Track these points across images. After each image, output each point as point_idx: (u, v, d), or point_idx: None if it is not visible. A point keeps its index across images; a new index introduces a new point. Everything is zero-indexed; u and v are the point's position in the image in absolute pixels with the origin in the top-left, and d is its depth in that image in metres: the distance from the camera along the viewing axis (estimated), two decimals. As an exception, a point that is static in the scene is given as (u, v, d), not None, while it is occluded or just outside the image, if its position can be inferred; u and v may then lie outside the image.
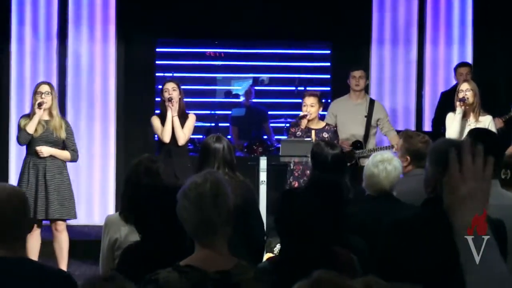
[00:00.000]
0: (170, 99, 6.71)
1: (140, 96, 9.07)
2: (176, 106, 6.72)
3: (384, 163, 4.10)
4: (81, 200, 8.32)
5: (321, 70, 10.66)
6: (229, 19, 9.05)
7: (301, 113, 6.94)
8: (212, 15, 9.05)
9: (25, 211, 2.78)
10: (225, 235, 2.58)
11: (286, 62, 11.14)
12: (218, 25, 9.14)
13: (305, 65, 11.05)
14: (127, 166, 4.54)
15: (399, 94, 9.25)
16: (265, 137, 10.16)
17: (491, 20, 9.06)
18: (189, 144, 7.20)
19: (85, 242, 7.48)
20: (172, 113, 6.71)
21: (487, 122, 6.41)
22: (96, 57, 8.96)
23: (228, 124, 10.64)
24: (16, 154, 8.51)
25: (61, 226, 6.63)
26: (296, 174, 6.76)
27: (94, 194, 8.90)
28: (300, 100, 7.44)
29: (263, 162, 6.70)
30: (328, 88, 9.70)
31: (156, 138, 7.03)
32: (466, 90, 6.43)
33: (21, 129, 6.58)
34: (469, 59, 8.96)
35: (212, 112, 11.11)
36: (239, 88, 11.90)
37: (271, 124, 10.40)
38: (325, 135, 6.85)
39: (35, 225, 6.38)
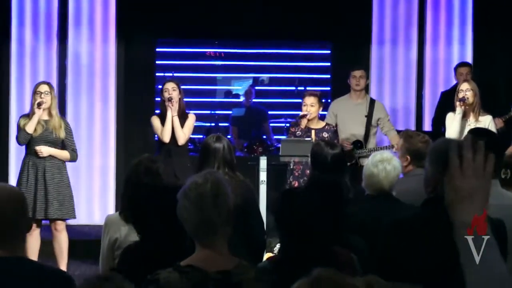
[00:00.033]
0: (170, 99, 6.71)
1: (140, 96, 9.06)
2: (176, 106, 6.72)
3: (384, 163, 4.11)
4: (81, 200, 8.33)
5: (321, 70, 10.65)
6: (229, 19, 9.05)
7: (301, 113, 6.94)
8: (212, 15, 9.04)
9: (23, 211, 2.78)
10: (225, 235, 2.58)
11: (286, 62, 11.12)
12: (218, 25, 9.14)
13: (305, 65, 11.04)
14: (127, 166, 4.53)
15: (399, 94, 9.25)
16: (264, 136, 10.15)
17: (491, 20, 9.06)
18: (189, 144, 7.20)
19: (85, 242, 7.48)
20: (172, 113, 6.70)
21: (487, 122, 6.40)
22: (96, 57, 8.95)
23: (228, 124, 10.64)
24: (15, 154, 8.51)
25: (60, 225, 6.63)
26: (296, 174, 6.75)
27: (94, 194, 8.90)
28: (300, 100, 7.44)
29: (263, 162, 6.70)
30: (328, 88, 9.69)
31: (156, 138, 7.03)
32: (466, 90, 6.43)
33: (20, 129, 6.58)
34: (469, 59, 8.96)
35: (212, 112, 11.10)
36: (239, 88, 11.89)
37: (271, 124, 10.39)
38: (325, 135, 6.84)
39: (35, 225, 6.38)
